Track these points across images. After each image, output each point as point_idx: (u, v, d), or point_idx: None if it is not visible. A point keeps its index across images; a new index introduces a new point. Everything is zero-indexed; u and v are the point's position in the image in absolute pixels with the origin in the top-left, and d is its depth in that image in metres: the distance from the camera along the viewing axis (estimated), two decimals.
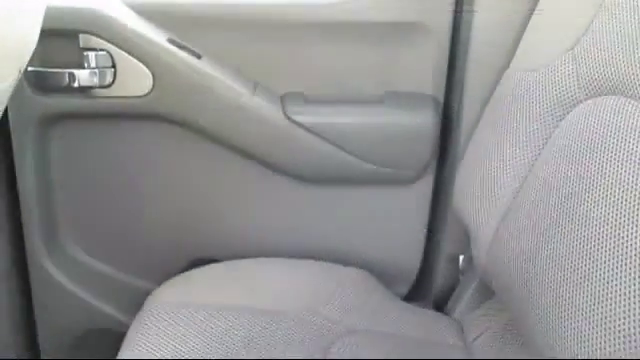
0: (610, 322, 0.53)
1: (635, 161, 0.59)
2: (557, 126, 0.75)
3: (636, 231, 0.54)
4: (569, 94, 0.74)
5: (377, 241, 1.03)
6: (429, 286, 1.06)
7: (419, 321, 0.91)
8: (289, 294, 0.88)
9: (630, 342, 0.51)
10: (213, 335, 0.81)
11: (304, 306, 0.85)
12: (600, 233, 0.59)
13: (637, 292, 0.52)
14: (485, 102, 0.91)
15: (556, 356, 0.59)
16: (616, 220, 0.57)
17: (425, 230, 1.03)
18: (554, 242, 0.64)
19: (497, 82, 0.89)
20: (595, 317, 0.55)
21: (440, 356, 0.83)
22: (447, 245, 1.03)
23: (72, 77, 0.89)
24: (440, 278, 1.05)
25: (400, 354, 0.81)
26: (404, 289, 1.06)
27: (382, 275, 1.01)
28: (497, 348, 0.82)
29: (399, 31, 0.92)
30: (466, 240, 0.86)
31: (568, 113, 0.74)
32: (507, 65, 0.88)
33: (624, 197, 0.58)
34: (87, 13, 0.86)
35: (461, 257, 1.00)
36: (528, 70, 0.83)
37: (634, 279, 0.53)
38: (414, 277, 1.06)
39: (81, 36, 0.87)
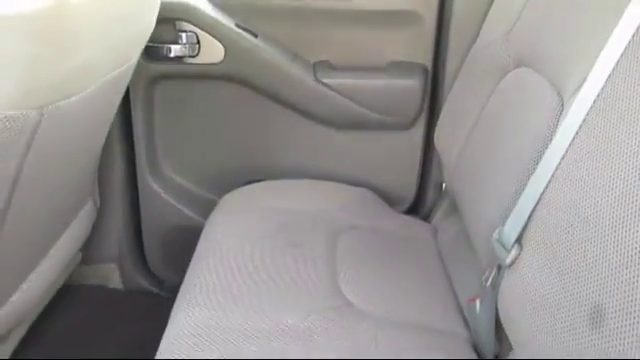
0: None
1: (521, 119, 0.91)
2: (497, 84, 1.08)
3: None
4: (503, 65, 1.06)
5: (382, 172, 1.40)
6: (422, 206, 1.43)
7: (405, 225, 1.28)
8: (313, 201, 1.27)
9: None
10: (262, 225, 1.20)
11: (322, 209, 1.24)
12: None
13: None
14: (460, 69, 1.25)
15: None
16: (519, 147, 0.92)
17: (418, 164, 1.40)
18: (490, 157, 0.98)
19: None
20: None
21: (415, 248, 1.20)
22: (434, 175, 1.39)
23: (169, 50, 1.29)
24: (429, 200, 1.41)
25: (385, 245, 1.18)
26: (402, 208, 1.43)
27: (385, 197, 1.39)
28: (454, 242, 1.18)
29: (397, 16, 1.28)
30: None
31: (503, 77, 1.07)
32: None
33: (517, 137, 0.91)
34: (181, 6, 1.26)
35: (444, 184, 1.36)
36: (484, 46, 1.17)
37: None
38: (411, 199, 1.43)
39: (177, 22, 1.27)
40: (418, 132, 1.37)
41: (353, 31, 1.29)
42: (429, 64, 1.31)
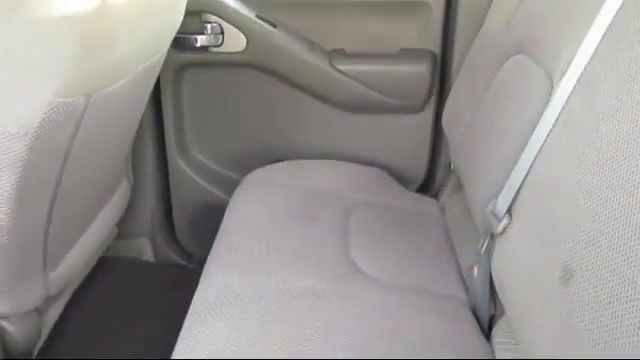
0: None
1: (516, 102, 0.99)
2: (499, 70, 1.16)
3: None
4: (504, 52, 1.14)
5: (393, 153, 1.49)
6: (431, 185, 1.52)
7: (414, 202, 1.37)
8: (328, 180, 1.37)
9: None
10: (281, 201, 1.30)
11: (337, 187, 1.34)
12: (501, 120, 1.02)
13: None
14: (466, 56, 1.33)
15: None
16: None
17: (428, 146, 1.48)
18: (489, 137, 1.06)
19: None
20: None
21: (423, 223, 1.30)
22: (443, 156, 1.48)
23: (196, 40, 1.39)
24: (438, 179, 1.50)
25: (395, 220, 1.28)
26: (413, 187, 1.52)
27: (397, 177, 1.48)
28: (459, 217, 1.27)
29: (408, 6, 1.36)
30: None
31: (504, 63, 1.15)
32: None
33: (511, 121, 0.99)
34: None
35: (452, 164, 1.45)
36: (487, 34, 1.25)
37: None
38: (421, 179, 1.52)
39: (202, 14, 1.37)
40: (428, 115, 1.46)
41: (366, 20, 1.38)
42: (438, 51, 1.40)
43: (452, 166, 1.46)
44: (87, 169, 1.04)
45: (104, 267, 1.49)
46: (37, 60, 0.80)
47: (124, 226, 1.53)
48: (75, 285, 1.29)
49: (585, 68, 0.80)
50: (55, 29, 0.78)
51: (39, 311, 1.05)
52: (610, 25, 0.78)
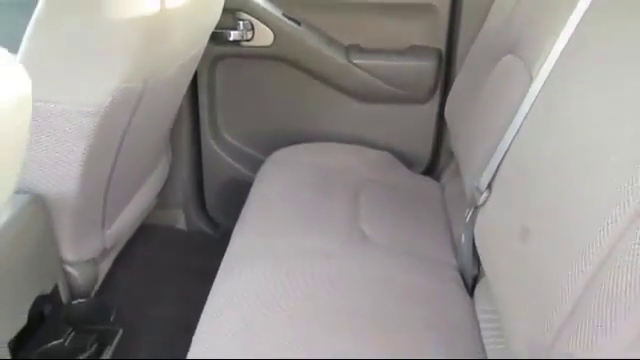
0: None
1: (503, 95, 1.16)
2: (494, 68, 1.32)
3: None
4: (499, 51, 1.30)
5: (401, 139, 1.67)
6: (435, 169, 1.70)
7: (418, 182, 1.55)
8: (342, 161, 1.55)
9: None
10: (300, 178, 1.49)
11: (350, 167, 1.52)
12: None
13: None
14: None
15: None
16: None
17: (433, 131, 1.66)
18: (480, 126, 1.23)
19: None
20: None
21: (425, 200, 1.47)
22: (446, 143, 1.65)
23: (229, 35, 1.58)
24: (441, 164, 1.68)
25: (399, 196, 1.46)
26: (419, 171, 1.69)
27: (403, 160, 1.66)
28: (457, 196, 1.44)
29: (416, 8, 1.54)
30: None
31: (498, 61, 1.31)
32: None
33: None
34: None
35: (453, 150, 1.62)
36: (486, 35, 1.42)
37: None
38: (426, 163, 1.70)
39: (236, 12, 1.56)
40: (433, 106, 1.63)
41: (379, 20, 1.56)
42: (443, 48, 1.57)
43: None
44: (139, 143, 1.24)
45: (143, 233, 1.69)
46: (108, 52, 0.99)
47: (161, 197, 1.73)
48: (121, 245, 1.50)
49: (556, 62, 0.97)
50: (123, 27, 0.97)
51: (95, 261, 1.26)
52: (579, 24, 0.94)
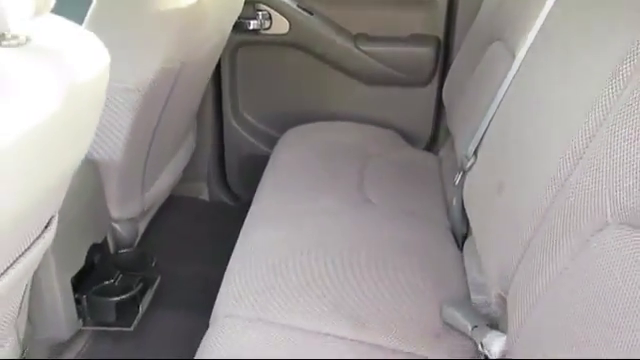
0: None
1: (489, 77, 1.33)
2: (485, 53, 1.49)
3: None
4: (488, 39, 1.47)
5: (404, 118, 1.85)
6: (434, 145, 1.87)
7: (418, 156, 1.73)
8: (351, 138, 1.73)
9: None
10: (312, 152, 1.67)
11: (357, 143, 1.70)
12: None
13: None
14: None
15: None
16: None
17: (432, 111, 1.83)
18: (470, 104, 1.41)
19: None
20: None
21: (423, 171, 1.65)
22: (444, 122, 1.82)
23: (249, 24, 1.76)
24: (440, 140, 1.85)
25: (401, 168, 1.63)
26: (420, 147, 1.87)
27: (406, 138, 1.83)
28: (452, 168, 1.61)
29: (416, 1, 1.70)
30: None
31: (487, 48, 1.48)
32: None
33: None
34: None
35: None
36: (478, 24, 1.58)
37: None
38: (427, 140, 1.87)
39: (255, 3, 1.74)
40: (432, 88, 1.81)
41: (383, 11, 1.75)
42: (441, 36, 1.75)
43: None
44: (174, 119, 1.43)
45: (171, 203, 1.89)
46: (152, 38, 1.18)
47: (187, 171, 1.92)
48: (155, 209, 1.69)
49: (531, 44, 1.14)
50: (164, 17, 1.16)
51: (135, 220, 1.45)
52: (552, 8, 1.11)
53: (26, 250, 0.88)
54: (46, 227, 0.92)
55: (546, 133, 0.93)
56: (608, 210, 0.72)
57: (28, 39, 0.67)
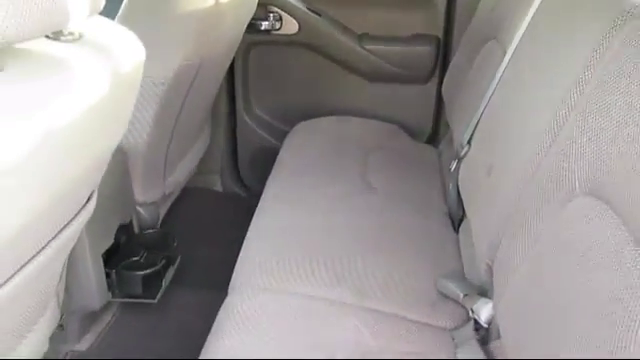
0: None
1: (483, 74, 1.45)
2: (480, 51, 1.61)
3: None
4: (483, 38, 1.59)
5: (406, 113, 1.97)
6: (435, 139, 1.99)
7: (419, 149, 1.85)
8: (355, 132, 1.85)
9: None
10: (319, 145, 1.78)
11: (360, 136, 1.82)
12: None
13: None
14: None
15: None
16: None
17: (433, 107, 1.95)
18: (466, 101, 1.52)
19: None
20: None
21: (423, 162, 1.76)
22: (444, 117, 1.94)
23: (261, 25, 1.89)
24: (441, 134, 1.97)
25: (402, 159, 1.75)
26: (422, 140, 1.99)
27: (408, 132, 1.95)
28: (449, 159, 1.73)
29: (418, 2, 1.83)
30: None
31: (483, 47, 1.59)
32: None
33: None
34: None
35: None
36: (476, 23, 1.70)
37: None
38: (427, 134, 1.99)
39: (267, 6, 1.86)
40: (433, 85, 1.93)
41: (386, 12, 1.87)
42: (441, 36, 1.86)
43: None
44: (192, 111, 1.56)
45: (187, 194, 2.01)
46: (174, 37, 1.30)
47: (201, 164, 2.04)
48: (174, 196, 1.81)
49: (520, 41, 1.25)
50: (186, 17, 1.28)
51: (157, 204, 1.58)
52: (538, 9, 1.23)
53: (68, 222, 1.01)
54: (85, 204, 1.04)
55: (527, 119, 1.04)
56: (577, 183, 0.84)
57: (81, 35, 0.80)
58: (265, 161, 1.82)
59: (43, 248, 0.96)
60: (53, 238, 0.98)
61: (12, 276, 0.89)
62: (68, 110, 0.71)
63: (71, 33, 0.78)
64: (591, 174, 0.81)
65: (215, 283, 1.26)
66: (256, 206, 1.51)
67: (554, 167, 0.90)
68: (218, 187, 2.14)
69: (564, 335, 0.74)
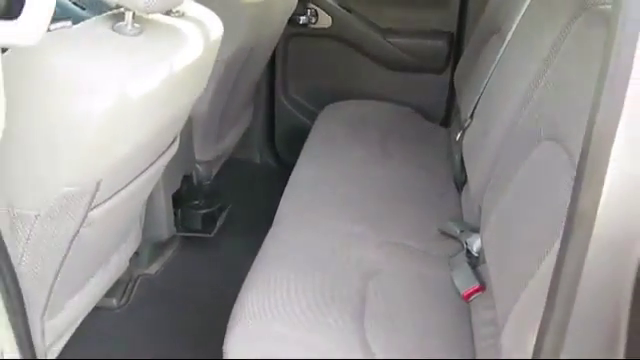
0: None
1: (487, 64, 1.74)
2: (486, 44, 1.89)
3: None
4: (490, 30, 1.87)
5: (423, 99, 2.26)
6: (447, 122, 2.28)
7: (431, 129, 2.14)
8: (377, 114, 2.14)
9: None
10: (345, 125, 2.08)
11: (381, 118, 2.11)
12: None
13: None
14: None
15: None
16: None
17: (446, 94, 2.24)
18: (472, 87, 1.81)
19: None
20: None
21: (435, 139, 2.05)
22: (456, 103, 2.22)
23: (299, 19, 2.20)
24: (453, 118, 2.26)
25: (417, 136, 2.04)
26: (435, 123, 2.28)
27: (425, 116, 2.24)
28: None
29: (435, 1, 2.12)
30: None
31: (489, 41, 1.88)
32: None
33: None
34: None
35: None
36: (484, 20, 1.99)
37: None
38: (441, 118, 2.28)
39: (305, 2, 2.17)
40: (446, 75, 2.23)
41: (407, 10, 2.19)
42: (454, 31, 2.16)
43: None
44: (241, 89, 1.88)
45: (230, 164, 2.32)
46: (233, 24, 1.62)
47: (243, 139, 2.36)
48: (222, 161, 2.12)
49: (515, 29, 1.54)
50: (243, 9, 1.60)
51: (211, 164, 1.90)
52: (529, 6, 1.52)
53: (157, 159, 1.32)
54: (170, 145, 1.36)
55: (511, 87, 1.35)
56: (542, 130, 1.13)
57: (183, 13, 1.12)
58: (298, 138, 2.09)
59: (137, 177, 1.27)
60: (145, 170, 1.29)
61: (112, 196, 1.18)
62: (181, 62, 1.02)
63: (177, 11, 1.11)
64: (553, 122, 1.11)
65: (259, 226, 1.54)
66: (287, 176, 1.74)
67: (527, 120, 1.19)
68: (257, 159, 2.46)
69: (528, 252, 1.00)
